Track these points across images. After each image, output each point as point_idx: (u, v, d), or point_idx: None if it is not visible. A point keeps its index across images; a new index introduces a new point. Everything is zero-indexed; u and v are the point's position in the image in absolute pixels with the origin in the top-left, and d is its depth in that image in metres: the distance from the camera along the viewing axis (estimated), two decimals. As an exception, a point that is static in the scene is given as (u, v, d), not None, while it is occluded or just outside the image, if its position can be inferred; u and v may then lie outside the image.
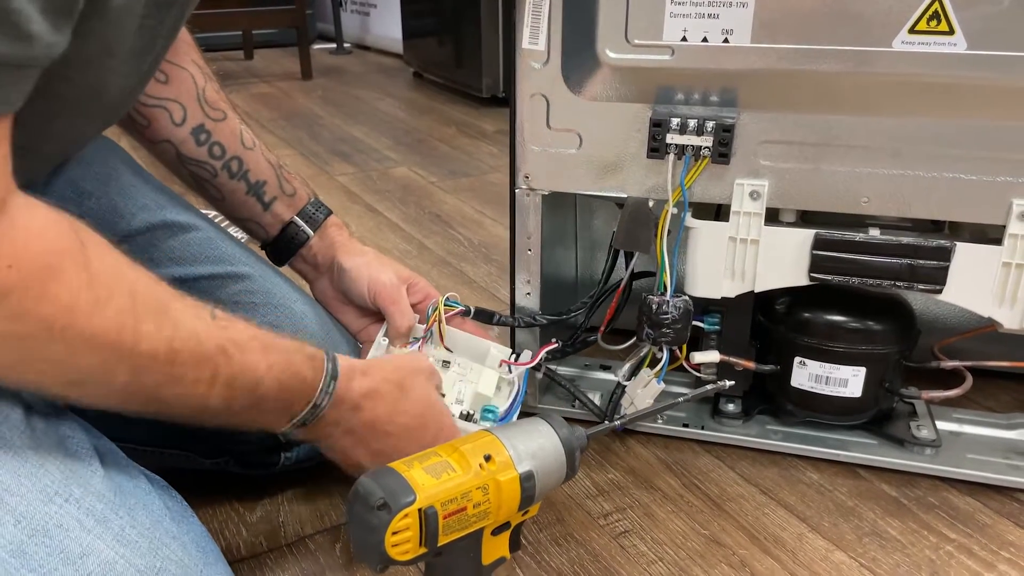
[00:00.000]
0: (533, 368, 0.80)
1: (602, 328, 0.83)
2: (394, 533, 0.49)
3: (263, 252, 0.82)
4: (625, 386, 0.81)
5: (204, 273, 0.73)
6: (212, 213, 0.82)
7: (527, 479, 0.55)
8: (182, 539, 0.52)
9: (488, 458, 0.54)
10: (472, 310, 0.79)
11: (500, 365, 0.77)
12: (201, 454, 0.76)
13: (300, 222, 0.80)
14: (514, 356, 0.79)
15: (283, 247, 0.80)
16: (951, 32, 0.63)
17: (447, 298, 0.77)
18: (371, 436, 0.62)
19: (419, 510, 0.50)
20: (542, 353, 0.79)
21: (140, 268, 0.49)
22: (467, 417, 0.73)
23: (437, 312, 0.76)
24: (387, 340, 0.76)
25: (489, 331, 0.81)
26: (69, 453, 0.50)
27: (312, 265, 0.81)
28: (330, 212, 0.82)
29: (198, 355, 0.50)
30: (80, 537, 0.46)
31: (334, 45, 3.53)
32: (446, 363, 0.76)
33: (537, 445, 0.57)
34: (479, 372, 0.76)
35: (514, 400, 0.75)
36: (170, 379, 0.49)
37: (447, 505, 0.51)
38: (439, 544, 0.52)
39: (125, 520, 0.49)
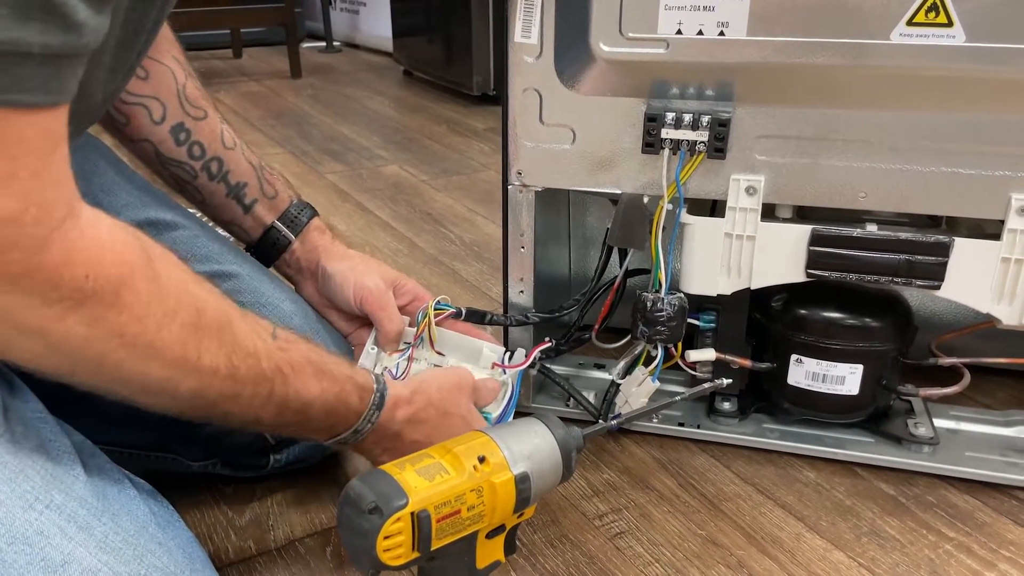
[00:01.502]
0: (528, 367, 0.79)
1: (596, 326, 0.82)
2: (386, 537, 0.48)
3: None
4: (619, 384, 0.80)
5: None
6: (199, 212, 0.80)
7: (522, 481, 0.54)
8: (168, 545, 0.51)
9: (482, 459, 0.53)
10: (464, 312, 0.77)
11: (492, 367, 0.76)
12: (188, 457, 0.74)
13: (281, 227, 0.79)
14: (508, 355, 0.78)
15: (265, 251, 0.79)
16: (950, 24, 0.62)
17: (438, 301, 0.76)
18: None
19: (412, 514, 0.49)
20: (535, 353, 0.78)
21: (206, 283, 0.51)
22: None
23: (427, 317, 0.75)
24: (376, 348, 0.75)
25: (483, 331, 0.80)
26: (51, 457, 0.49)
27: (296, 270, 0.80)
28: (315, 213, 0.81)
29: (257, 374, 0.52)
30: (61, 544, 0.45)
31: (323, 44, 3.51)
32: (438, 367, 0.75)
33: (532, 446, 0.55)
34: (472, 369, 0.75)
35: (508, 403, 0.74)
36: (230, 394, 0.51)
37: (440, 508, 0.50)
38: (432, 548, 0.50)
39: (108, 526, 0.48)
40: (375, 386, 0.61)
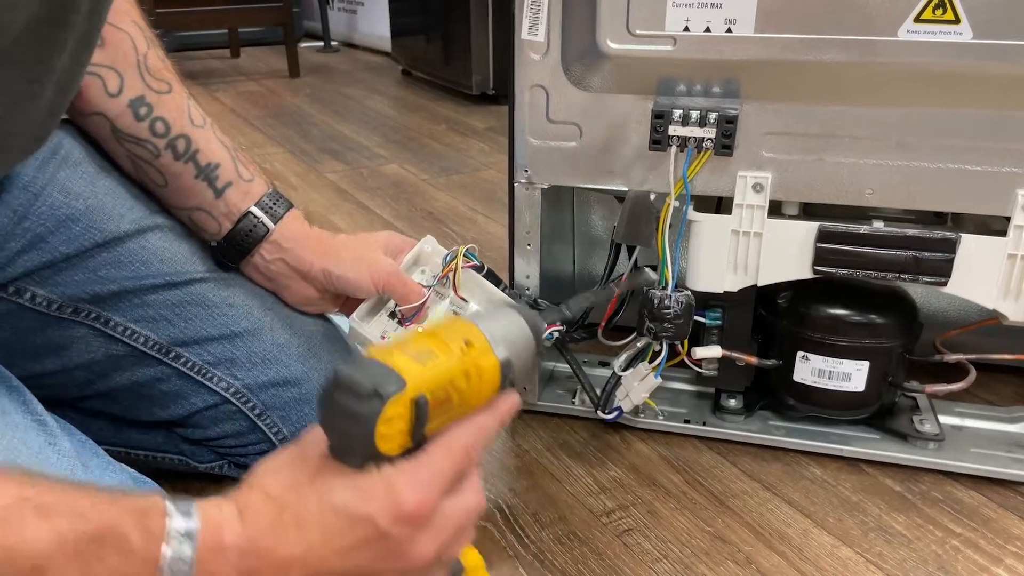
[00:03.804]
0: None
1: (602, 324, 0.82)
2: (384, 423, 0.44)
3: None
4: (621, 377, 0.80)
5: (197, 276, 0.70)
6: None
7: (506, 365, 0.51)
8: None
9: (468, 343, 0.49)
10: (486, 268, 0.76)
11: None
12: (196, 459, 0.74)
13: (259, 213, 0.69)
14: None
15: (238, 242, 0.70)
16: (957, 21, 0.63)
17: (467, 250, 0.74)
18: None
19: (410, 399, 0.45)
20: (549, 330, 0.77)
21: None
22: None
23: (456, 261, 0.72)
24: (362, 319, 0.72)
25: None
26: (49, 464, 0.48)
27: (275, 271, 0.72)
28: (291, 205, 0.72)
29: None
30: None
31: (321, 43, 3.50)
32: (456, 312, 0.73)
33: (508, 330, 0.53)
34: None
35: None
36: None
37: (436, 393, 0.46)
38: (424, 435, 0.47)
39: None
40: (163, 501, 0.40)
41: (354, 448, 0.44)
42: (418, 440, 0.46)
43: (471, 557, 0.54)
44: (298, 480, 0.44)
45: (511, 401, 0.51)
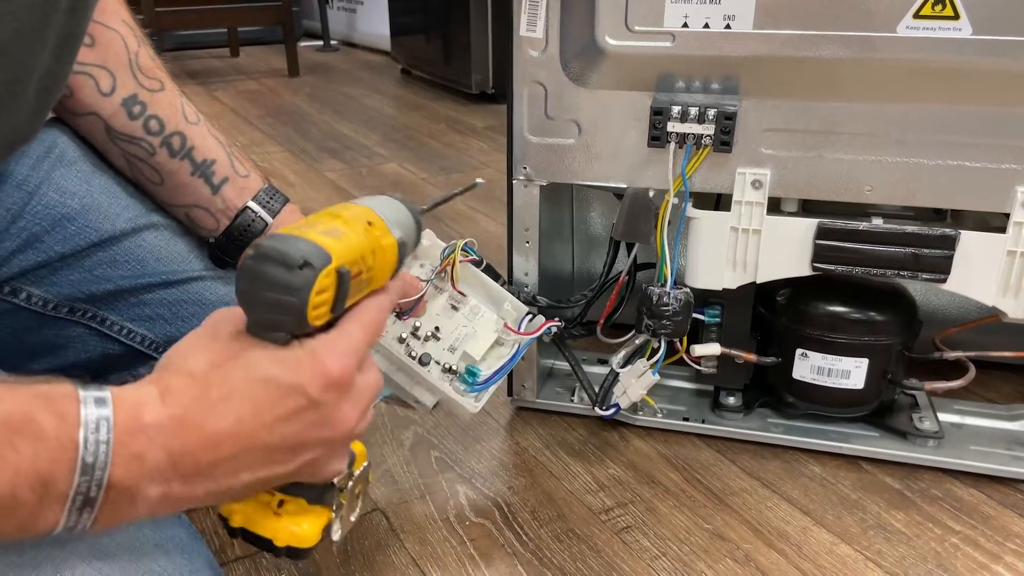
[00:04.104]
0: (538, 337, 0.77)
1: (601, 321, 0.82)
2: (316, 294, 0.44)
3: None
4: (619, 373, 0.80)
5: (194, 274, 0.70)
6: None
7: (403, 245, 0.54)
8: (165, 547, 0.49)
9: (370, 223, 0.51)
10: (485, 262, 0.76)
11: (505, 327, 0.74)
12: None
13: (256, 207, 0.69)
14: (528, 317, 0.76)
15: (235, 238, 0.69)
16: (956, 17, 0.62)
17: (465, 244, 0.74)
18: (214, 467, 0.43)
19: (336, 270, 0.45)
20: (544, 328, 0.77)
21: None
22: (449, 370, 0.70)
23: (454, 254, 0.72)
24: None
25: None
26: None
27: None
28: (287, 200, 0.72)
29: None
30: (52, 553, 0.44)
31: (320, 42, 3.50)
32: (455, 307, 0.73)
33: (397, 214, 0.55)
34: (483, 323, 0.74)
35: (501, 368, 0.72)
36: None
37: (352, 266, 0.47)
38: (344, 308, 0.48)
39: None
40: (74, 387, 0.39)
41: (282, 322, 0.44)
42: (337, 313, 0.47)
43: (356, 445, 0.55)
44: (218, 358, 0.44)
45: (407, 281, 0.56)
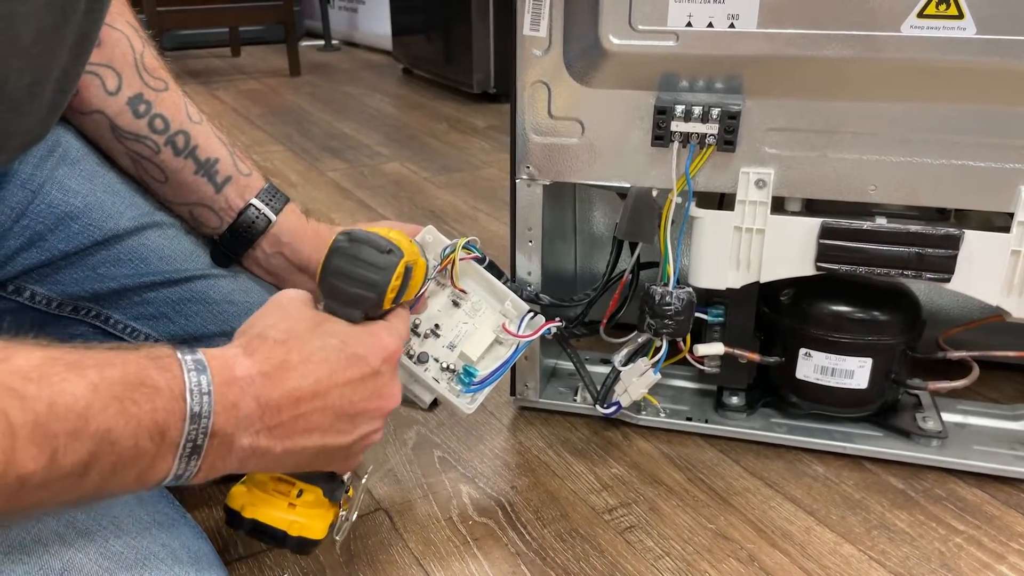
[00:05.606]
0: (537, 337, 0.77)
1: (604, 320, 0.82)
2: (396, 277, 0.54)
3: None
4: (620, 371, 0.79)
5: (197, 273, 0.70)
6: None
7: (429, 270, 0.66)
8: (171, 546, 0.50)
9: (411, 242, 0.59)
10: (488, 260, 0.76)
11: (504, 329, 0.74)
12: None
13: (260, 205, 0.70)
14: (530, 315, 0.76)
15: (239, 235, 0.70)
16: (960, 16, 0.62)
17: (467, 242, 0.73)
18: (294, 422, 0.48)
19: (405, 264, 0.55)
20: (543, 329, 0.77)
21: None
22: (447, 369, 0.71)
23: (454, 253, 0.72)
24: None
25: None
26: None
27: (276, 266, 0.73)
28: (288, 199, 0.73)
29: None
30: (60, 551, 0.44)
31: (322, 42, 3.50)
32: (456, 303, 0.74)
33: (421, 245, 0.65)
34: (484, 320, 0.74)
35: (499, 368, 0.72)
36: None
37: (413, 270, 0.57)
38: (393, 306, 0.57)
39: (109, 531, 0.47)
40: (170, 347, 0.44)
41: (364, 297, 0.53)
42: (394, 303, 0.56)
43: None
44: (295, 328, 0.50)
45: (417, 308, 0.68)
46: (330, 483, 0.57)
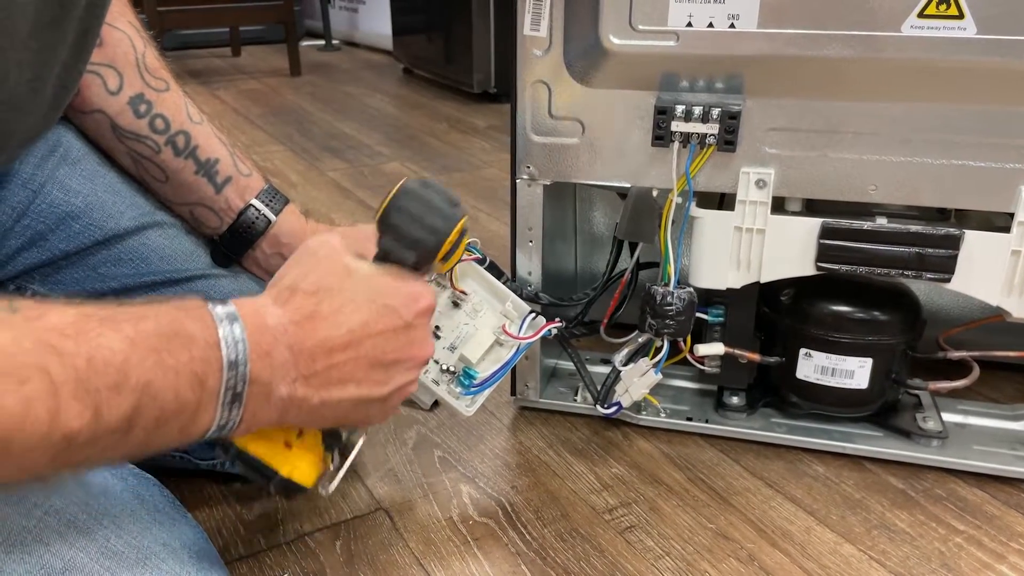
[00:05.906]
0: (537, 339, 0.77)
1: (605, 320, 0.82)
2: (457, 232, 0.55)
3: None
4: (621, 371, 0.79)
5: (198, 272, 0.70)
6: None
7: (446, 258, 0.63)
8: (172, 546, 0.50)
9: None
10: (488, 260, 0.76)
11: (503, 331, 0.74)
12: (197, 456, 0.74)
13: (260, 205, 0.71)
14: (530, 317, 0.76)
15: (240, 235, 0.71)
16: (960, 16, 0.62)
17: (468, 243, 0.73)
18: (328, 372, 0.48)
19: (464, 222, 0.56)
20: (543, 330, 0.76)
21: None
22: (447, 371, 0.71)
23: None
24: None
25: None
26: None
27: (268, 256, 0.73)
28: (287, 200, 0.74)
29: (12, 369, 0.34)
30: (61, 551, 0.44)
31: (322, 42, 3.50)
32: (456, 304, 0.73)
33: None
34: (485, 321, 0.74)
35: (499, 370, 0.72)
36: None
37: (465, 235, 0.58)
38: (445, 266, 0.60)
39: (110, 530, 0.47)
40: (201, 298, 0.44)
41: (424, 243, 0.53)
42: (442, 260, 0.56)
43: None
44: (326, 280, 0.49)
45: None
46: (331, 434, 0.56)
